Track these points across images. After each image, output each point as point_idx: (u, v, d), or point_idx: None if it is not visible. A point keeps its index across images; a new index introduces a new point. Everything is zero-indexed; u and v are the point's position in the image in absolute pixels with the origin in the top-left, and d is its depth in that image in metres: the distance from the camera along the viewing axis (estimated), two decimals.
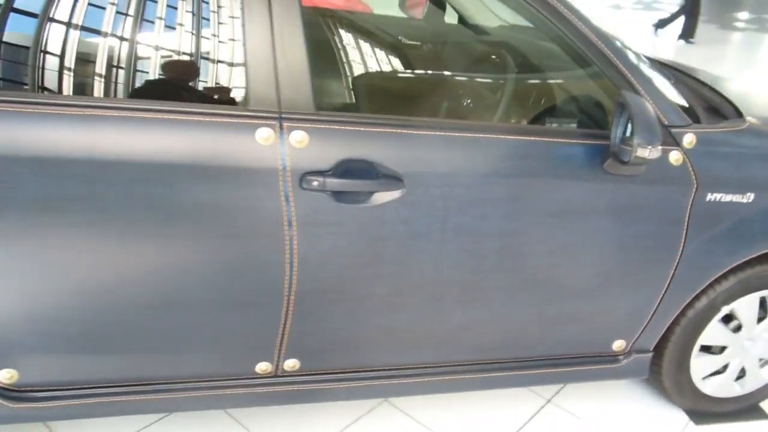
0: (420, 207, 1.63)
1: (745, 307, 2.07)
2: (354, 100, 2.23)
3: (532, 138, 1.70)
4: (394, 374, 1.92)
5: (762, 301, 2.09)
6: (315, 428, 2.07)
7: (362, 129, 1.58)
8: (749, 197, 1.87)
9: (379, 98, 2.20)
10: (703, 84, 2.34)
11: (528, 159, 1.69)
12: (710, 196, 1.83)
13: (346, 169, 1.56)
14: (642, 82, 1.76)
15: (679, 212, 1.82)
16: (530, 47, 2.31)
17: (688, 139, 1.81)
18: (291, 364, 1.79)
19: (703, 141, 1.83)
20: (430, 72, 2.61)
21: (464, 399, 2.24)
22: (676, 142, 1.80)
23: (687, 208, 1.82)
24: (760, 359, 2.19)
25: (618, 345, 2.02)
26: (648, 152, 1.55)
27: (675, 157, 1.79)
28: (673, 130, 1.80)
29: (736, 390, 2.23)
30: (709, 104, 2.10)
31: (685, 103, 1.93)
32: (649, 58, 2.34)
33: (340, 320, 1.74)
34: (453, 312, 1.81)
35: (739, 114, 2.02)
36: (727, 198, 1.86)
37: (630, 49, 1.98)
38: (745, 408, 2.29)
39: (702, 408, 2.25)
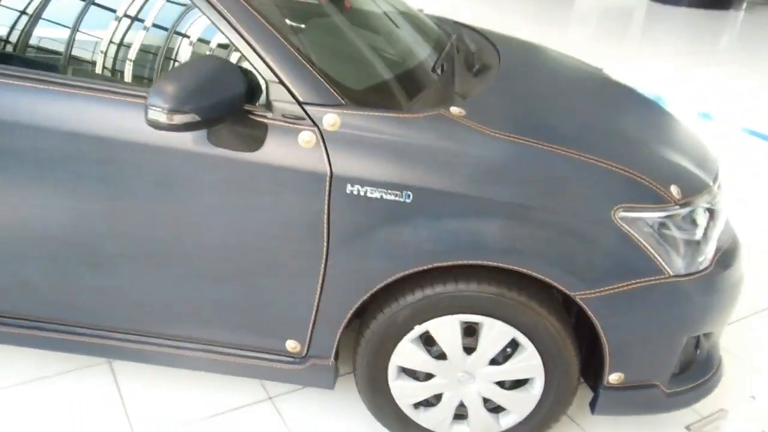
0: (11, 157, 1.63)
1: (442, 331, 1.75)
2: None
3: (119, 97, 1.61)
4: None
5: (470, 328, 1.76)
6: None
7: None
8: (406, 196, 1.59)
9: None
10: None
11: (118, 120, 1.60)
12: (351, 188, 1.59)
13: None
14: (272, 55, 1.57)
15: (314, 201, 1.61)
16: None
17: (330, 121, 1.59)
18: None
19: (350, 125, 1.59)
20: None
21: (187, 378, 2.17)
22: (313, 122, 1.58)
23: (324, 199, 1.60)
24: (486, 400, 1.84)
25: (292, 345, 1.83)
26: (161, 116, 1.40)
27: (306, 137, 1.58)
28: (310, 107, 1.59)
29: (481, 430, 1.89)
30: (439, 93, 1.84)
31: (362, 83, 1.72)
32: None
33: None
34: (83, 275, 1.78)
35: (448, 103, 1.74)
36: (376, 194, 1.60)
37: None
38: None
39: None
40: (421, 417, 1.90)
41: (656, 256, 1.65)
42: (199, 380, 2.15)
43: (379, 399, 1.89)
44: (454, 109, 1.68)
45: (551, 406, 1.83)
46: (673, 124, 2.19)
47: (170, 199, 1.65)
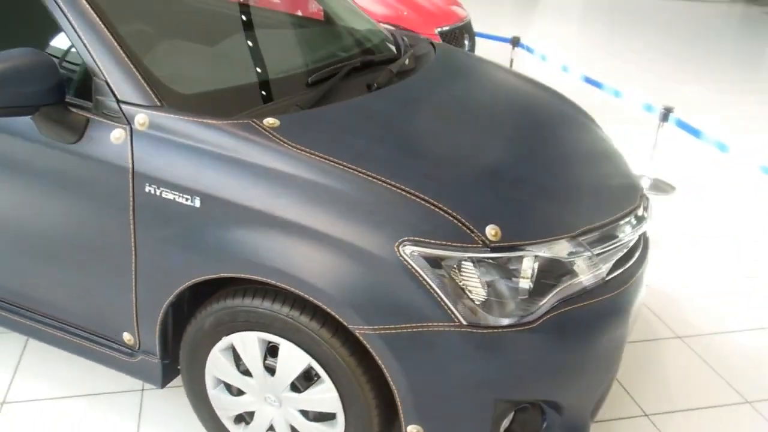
0: None
1: (245, 346, 1.71)
2: None
3: None
4: None
5: (273, 348, 1.69)
6: None
7: None
8: (195, 201, 1.59)
9: None
10: None
11: None
12: (149, 188, 1.63)
13: None
14: (97, 51, 1.66)
15: (121, 197, 1.67)
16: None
17: (140, 120, 1.64)
18: None
19: (157, 126, 1.63)
20: None
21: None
22: (126, 120, 1.65)
23: (129, 195, 1.65)
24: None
25: (127, 338, 1.88)
26: None
27: (116, 134, 1.65)
28: (125, 106, 1.65)
29: None
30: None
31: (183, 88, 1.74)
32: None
33: None
34: None
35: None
36: (169, 195, 1.61)
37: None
38: None
39: None
40: (235, 430, 1.86)
41: (445, 300, 1.49)
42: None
43: (201, 406, 1.88)
44: (268, 120, 1.65)
45: None
46: (598, 156, 2.02)
47: (10, 180, 1.79)
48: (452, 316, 1.49)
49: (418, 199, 1.54)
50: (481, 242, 1.51)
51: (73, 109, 1.69)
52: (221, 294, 1.70)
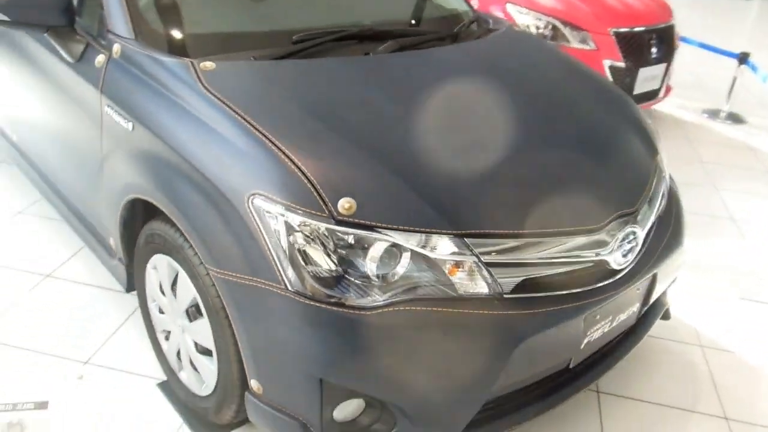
0: None
1: (159, 268, 1.87)
2: None
3: None
4: None
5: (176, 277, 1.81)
6: None
7: None
8: (130, 125, 1.77)
9: None
10: None
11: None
12: (107, 109, 1.85)
13: None
14: None
15: (94, 113, 1.92)
16: None
17: (115, 49, 1.88)
18: None
19: (125, 56, 1.85)
20: None
21: None
22: (109, 48, 1.88)
23: (98, 112, 1.90)
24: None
25: (112, 243, 2.13)
26: None
27: (99, 59, 1.91)
28: (111, 35, 1.90)
29: (194, 385, 1.94)
30: None
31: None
32: None
33: None
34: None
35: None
36: (117, 117, 1.82)
37: None
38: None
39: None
40: (163, 346, 2.03)
41: (278, 261, 1.46)
42: None
43: (145, 317, 2.08)
44: (206, 64, 1.75)
45: (223, 392, 1.75)
46: (602, 158, 1.86)
47: (39, 84, 2.19)
48: (281, 278, 1.46)
49: (287, 160, 1.52)
50: (327, 212, 1.45)
51: (79, 35, 1.99)
52: (152, 216, 1.87)
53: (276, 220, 1.48)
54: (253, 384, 1.62)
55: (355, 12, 2.32)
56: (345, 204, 1.46)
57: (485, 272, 1.51)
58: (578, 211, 1.65)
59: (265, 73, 1.81)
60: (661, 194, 1.95)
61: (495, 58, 2.23)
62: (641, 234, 1.75)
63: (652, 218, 1.85)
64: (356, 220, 1.45)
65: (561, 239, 1.59)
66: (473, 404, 1.56)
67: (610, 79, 4.09)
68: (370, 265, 1.45)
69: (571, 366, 1.72)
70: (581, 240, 1.62)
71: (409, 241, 1.46)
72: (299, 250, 1.46)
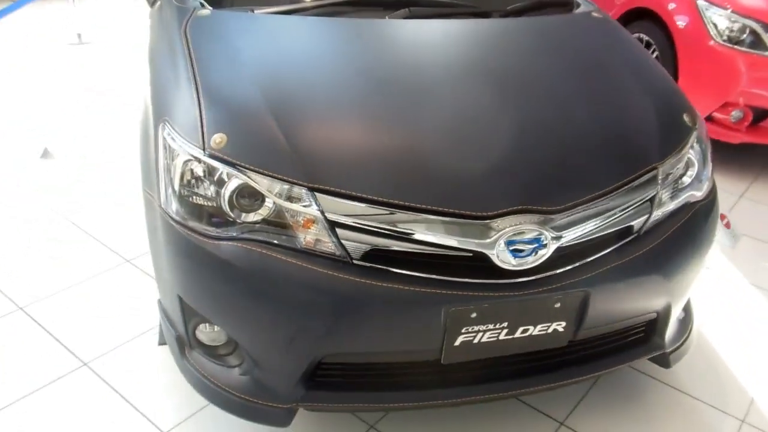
0: None
1: None
2: None
3: None
4: None
5: None
6: None
7: None
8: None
9: None
10: None
11: None
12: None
13: None
14: None
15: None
16: None
17: None
18: None
19: None
20: None
21: None
22: None
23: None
24: None
25: None
26: None
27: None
28: None
29: None
30: None
31: None
32: None
33: None
34: None
35: None
36: None
37: None
38: None
39: None
40: None
41: (159, 179, 1.64)
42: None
43: None
44: (203, 11, 2.02)
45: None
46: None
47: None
48: (159, 195, 1.63)
49: (195, 96, 1.66)
50: (202, 144, 1.56)
51: None
52: None
53: (166, 142, 1.64)
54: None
55: None
56: (217, 138, 1.56)
57: (329, 232, 1.48)
58: (469, 193, 1.51)
59: (247, 23, 1.96)
60: (641, 208, 1.66)
61: (516, 39, 2.08)
62: (552, 239, 1.53)
63: (599, 231, 1.60)
64: (222, 156, 1.54)
65: (427, 216, 1.48)
66: (300, 359, 1.55)
67: None
68: (224, 198, 1.53)
69: (443, 362, 1.58)
70: (457, 224, 1.49)
71: (262, 183, 1.51)
72: (174, 172, 1.60)
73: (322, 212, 1.48)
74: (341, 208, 1.49)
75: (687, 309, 2.04)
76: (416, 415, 1.97)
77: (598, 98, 1.84)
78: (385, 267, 1.50)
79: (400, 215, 1.49)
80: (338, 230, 1.49)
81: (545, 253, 1.53)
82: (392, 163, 1.54)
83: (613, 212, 1.62)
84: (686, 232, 1.75)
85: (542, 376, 1.71)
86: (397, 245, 1.50)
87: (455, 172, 1.54)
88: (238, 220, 1.53)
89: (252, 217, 1.53)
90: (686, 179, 1.81)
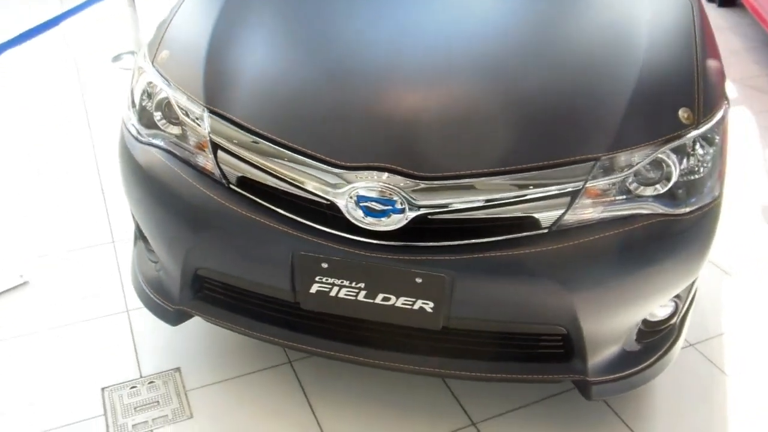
0: None
1: None
2: None
3: None
4: None
5: None
6: None
7: None
8: None
9: None
10: None
11: None
12: None
13: None
14: None
15: None
16: None
17: None
18: None
19: None
20: None
21: None
22: None
23: None
24: None
25: None
26: None
27: None
28: None
29: None
30: None
31: None
32: None
33: None
34: None
35: None
36: None
37: None
38: None
39: None
40: None
41: (135, 102, 1.79)
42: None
43: None
44: None
45: None
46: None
47: None
48: (132, 123, 1.79)
49: (171, 21, 1.83)
50: (151, 59, 1.76)
51: None
52: None
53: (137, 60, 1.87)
54: None
55: None
56: (163, 54, 1.74)
57: (211, 153, 1.56)
58: (340, 142, 1.48)
59: None
60: (556, 202, 1.44)
61: None
62: (410, 207, 1.42)
63: (481, 213, 1.44)
64: (158, 69, 1.71)
65: (292, 155, 1.48)
66: (179, 265, 1.66)
67: None
68: (153, 107, 1.70)
69: (302, 307, 1.57)
70: (318, 169, 1.46)
71: (179, 99, 1.64)
72: (134, 82, 1.82)
73: (209, 133, 1.57)
74: (223, 132, 1.56)
75: (649, 345, 1.68)
76: (334, 367, 1.97)
77: (557, 62, 1.61)
78: (251, 196, 1.54)
79: (266, 147, 1.51)
80: (219, 153, 1.56)
81: (401, 219, 1.42)
82: (280, 99, 1.57)
83: (502, 196, 1.43)
84: (624, 245, 1.46)
85: (410, 356, 1.60)
86: (261, 178, 1.53)
87: (337, 119, 1.52)
88: (165, 131, 1.69)
89: (172, 129, 1.68)
90: (652, 189, 1.51)
